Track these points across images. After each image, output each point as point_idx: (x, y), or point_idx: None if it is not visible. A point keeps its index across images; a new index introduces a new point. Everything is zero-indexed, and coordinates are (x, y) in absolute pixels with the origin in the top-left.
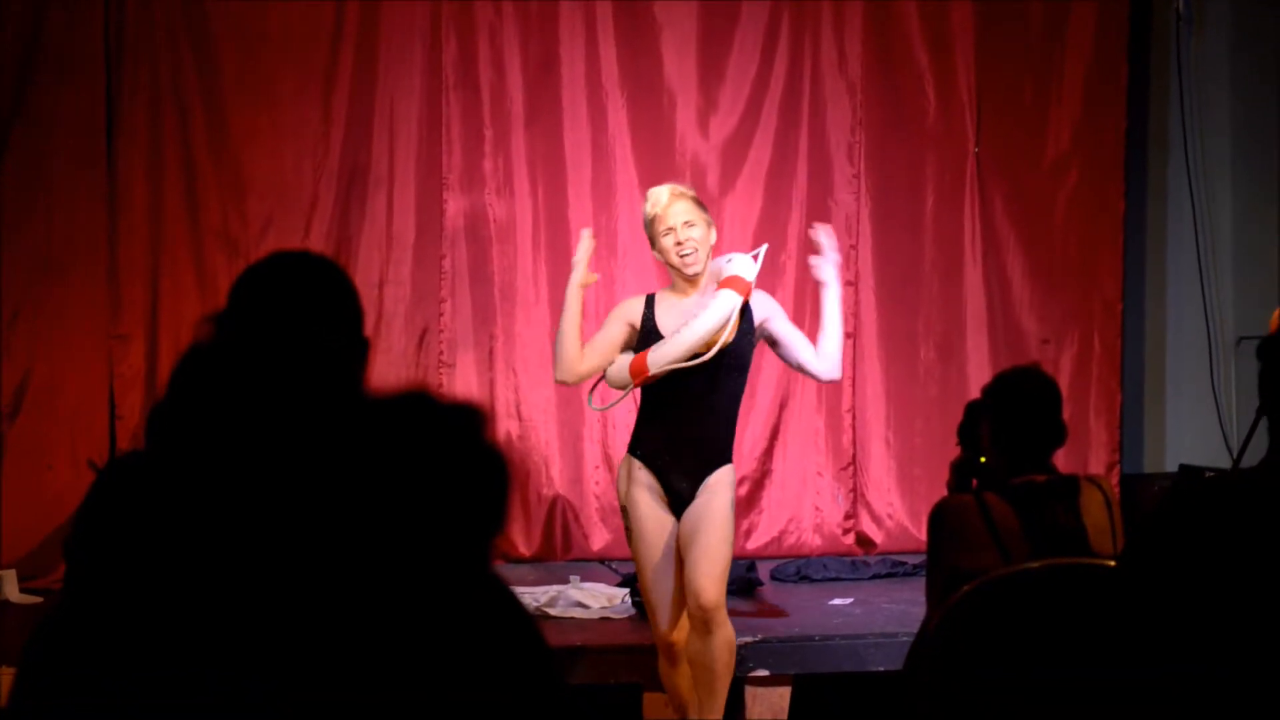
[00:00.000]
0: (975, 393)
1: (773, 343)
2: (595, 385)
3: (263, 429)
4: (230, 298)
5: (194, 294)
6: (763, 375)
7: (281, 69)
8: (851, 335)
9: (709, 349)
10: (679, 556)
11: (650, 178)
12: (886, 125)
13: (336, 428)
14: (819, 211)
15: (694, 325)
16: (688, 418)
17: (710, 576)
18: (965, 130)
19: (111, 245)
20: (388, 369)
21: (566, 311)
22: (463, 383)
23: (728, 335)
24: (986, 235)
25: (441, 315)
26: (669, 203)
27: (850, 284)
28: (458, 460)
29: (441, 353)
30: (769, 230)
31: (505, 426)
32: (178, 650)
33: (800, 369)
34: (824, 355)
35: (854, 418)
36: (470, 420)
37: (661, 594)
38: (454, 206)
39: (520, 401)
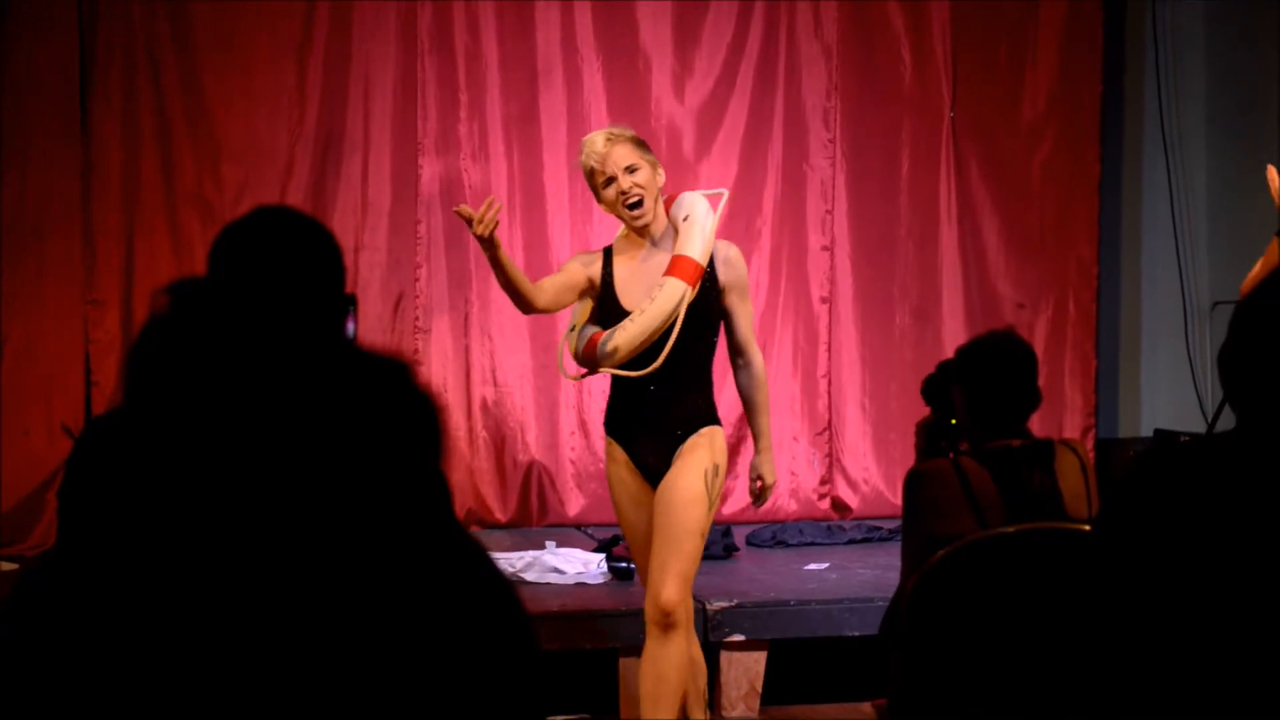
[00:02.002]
0: (951, 357)
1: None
2: (562, 350)
3: (236, 387)
4: (212, 252)
5: (169, 259)
6: None
7: (256, 33)
8: (827, 300)
9: (657, 354)
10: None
11: None
12: (862, 89)
13: (304, 385)
14: (795, 176)
15: (639, 322)
16: (649, 393)
17: (671, 572)
18: (941, 94)
19: (86, 211)
20: (363, 335)
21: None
22: (438, 348)
23: (674, 334)
24: (962, 199)
25: (417, 281)
26: (606, 149)
27: (826, 249)
28: (394, 407)
29: (417, 318)
30: (745, 195)
31: (481, 392)
32: (150, 616)
33: (730, 349)
34: (750, 386)
35: (829, 383)
36: (398, 370)
37: (646, 572)
38: (429, 171)
39: (496, 367)
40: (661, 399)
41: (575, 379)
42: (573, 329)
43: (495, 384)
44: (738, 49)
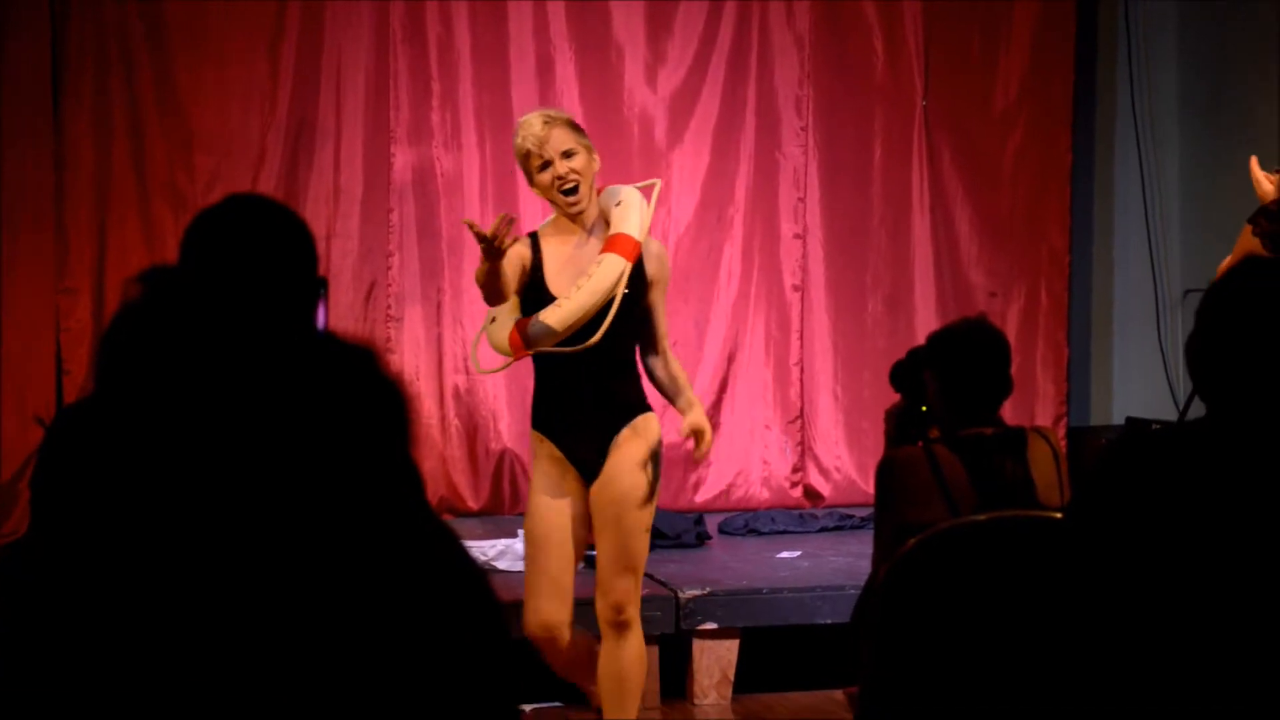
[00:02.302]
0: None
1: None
2: (477, 343)
3: (206, 375)
4: (184, 239)
5: (141, 248)
6: (710, 327)
7: (228, 23)
8: (800, 288)
9: (594, 330)
10: (575, 535)
11: (598, 130)
12: (834, 78)
13: (272, 373)
14: (767, 164)
15: (576, 299)
16: (579, 381)
17: (623, 571)
18: (913, 83)
19: (58, 200)
20: (335, 323)
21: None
22: (410, 337)
23: (614, 308)
24: (934, 188)
25: (389, 269)
26: (544, 132)
27: (798, 237)
28: (362, 394)
29: (389, 307)
30: (717, 183)
31: (453, 381)
32: (121, 606)
33: (645, 345)
34: (670, 369)
35: (802, 371)
36: (365, 357)
37: (540, 574)
38: (401, 160)
39: (468, 355)
40: (594, 386)
41: (491, 372)
42: (492, 320)
43: (467, 372)
44: (710, 38)
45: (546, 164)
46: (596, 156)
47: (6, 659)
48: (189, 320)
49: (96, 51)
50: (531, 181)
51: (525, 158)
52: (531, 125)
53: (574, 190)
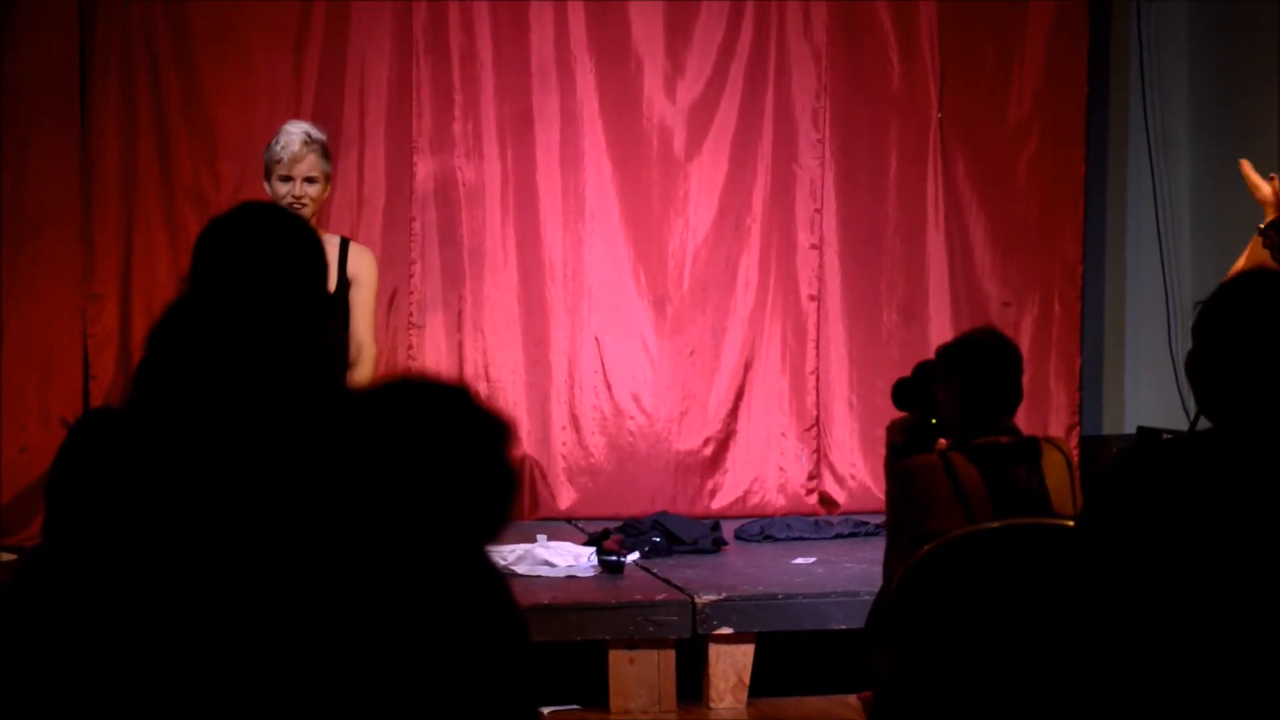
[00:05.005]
0: (930, 359)
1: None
2: None
3: (241, 389)
4: (196, 246)
5: (166, 254)
6: (728, 336)
7: (253, 29)
8: (816, 298)
9: None
10: None
11: (618, 141)
12: (851, 90)
13: (329, 399)
14: (784, 175)
15: None
16: None
17: None
18: (928, 94)
19: (85, 205)
20: None
21: None
22: (431, 344)
23: None
24: (949, 198)
25: (411, 277)
26: (300, 152)
27: (815, 247)
28: (478, 469)
29: (411, 314)
30: (735, 194)
31: (474, 388)
32: (149, 604)
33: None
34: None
35: (818, 380)
36: (498, 432)
37: None
38: (424, 169)
39: (489, 363)
40: None
41: None
42: None
43: (488, 379)
44: (728, 49)
45: (288, 178)
46: (328, 185)
47: (11, 662)
48: (200, 329)
49: (123, 56)
50: (266, 177)
51: (275, 164)
52: (291, 144)
53: (303, 211)
